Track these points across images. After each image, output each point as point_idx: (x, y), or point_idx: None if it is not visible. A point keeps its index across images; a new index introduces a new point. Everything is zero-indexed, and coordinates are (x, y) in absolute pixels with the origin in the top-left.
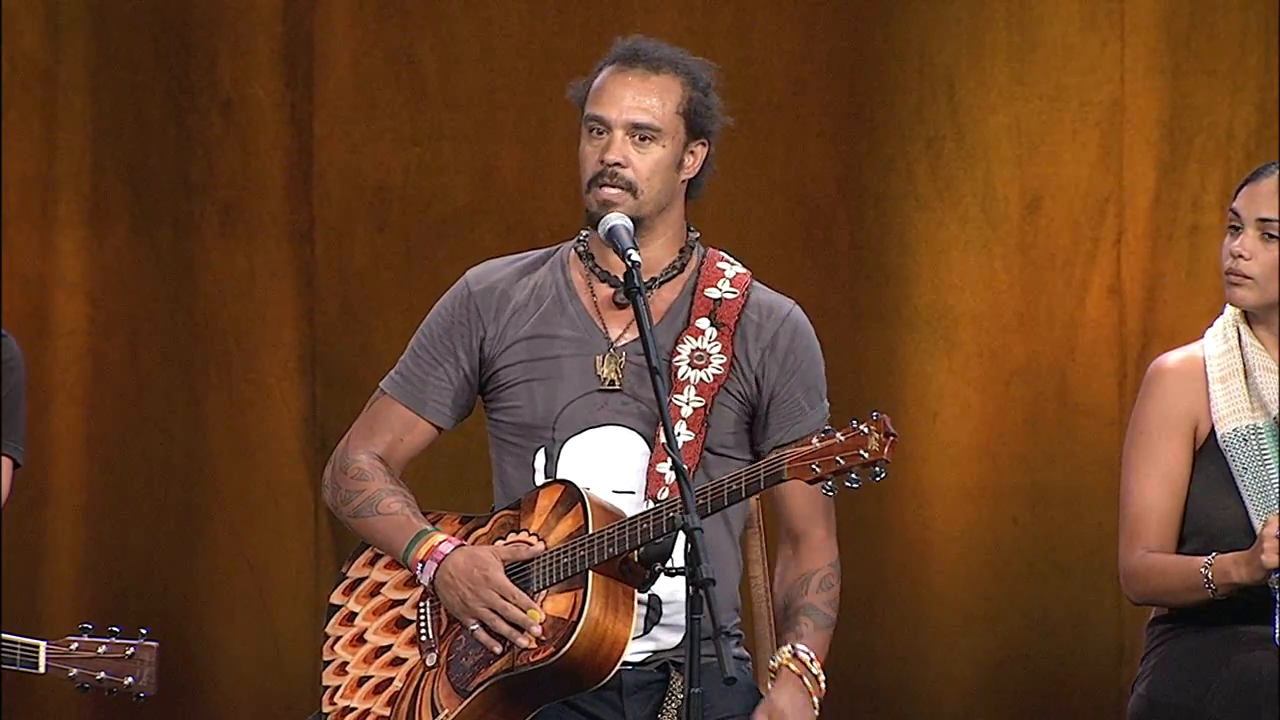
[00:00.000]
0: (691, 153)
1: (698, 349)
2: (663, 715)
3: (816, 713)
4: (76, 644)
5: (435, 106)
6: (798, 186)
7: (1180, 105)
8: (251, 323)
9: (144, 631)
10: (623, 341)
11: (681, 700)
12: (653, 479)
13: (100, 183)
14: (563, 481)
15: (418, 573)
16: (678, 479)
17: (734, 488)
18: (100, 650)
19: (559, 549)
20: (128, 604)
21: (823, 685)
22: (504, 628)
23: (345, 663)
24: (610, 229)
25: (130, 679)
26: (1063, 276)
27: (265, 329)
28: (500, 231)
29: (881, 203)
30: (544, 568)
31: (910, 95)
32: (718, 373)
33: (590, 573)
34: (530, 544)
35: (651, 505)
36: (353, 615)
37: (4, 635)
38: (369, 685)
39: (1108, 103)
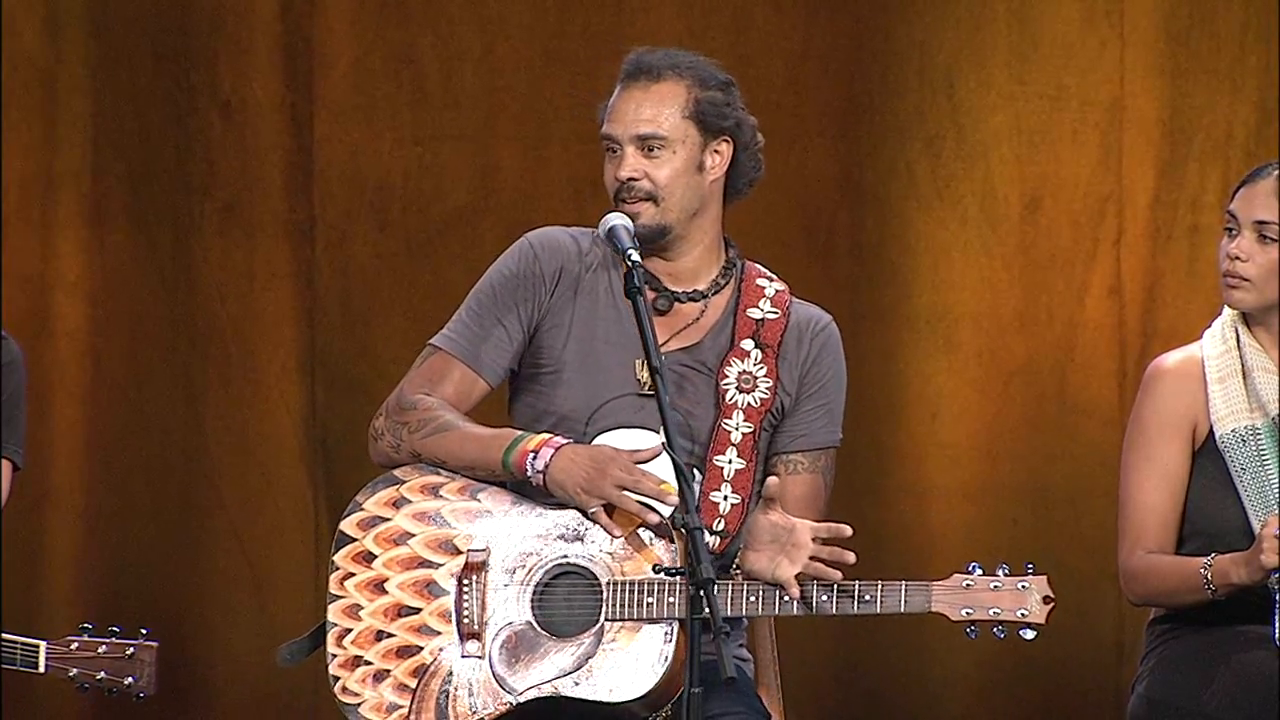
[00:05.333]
0: (716, 152)
1: (745, 372)
2: (656, 715)
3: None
4: (76, 644)
5: (435, 106)
6: (798, 186)
7: (1180, 105)
8: (251, 322)
9: (144, 631)
10: (665, 349)
11: (675, 699)
12: (706, 508)
13: (100, 183)
14: None
15: (527, 464)
16: (678, 479)
17: (866, 598)
18: (100, 650)
19: (640, 582)
20: (128, 604)
21: None
22: (633, 505)
23: (359, 606)
24: (610, 229)
25: (130, 679)
26: (1063, 276)
27: (265, 329)
28: (500, 231)
29: (882, 203)
30: (621, 597)
31: (910, 95)
32: (765, 396)
33: (676, 621)
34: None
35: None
36: (371, 555)
37: (4, 635)
38: (390, 644)
39: (1108, 103)
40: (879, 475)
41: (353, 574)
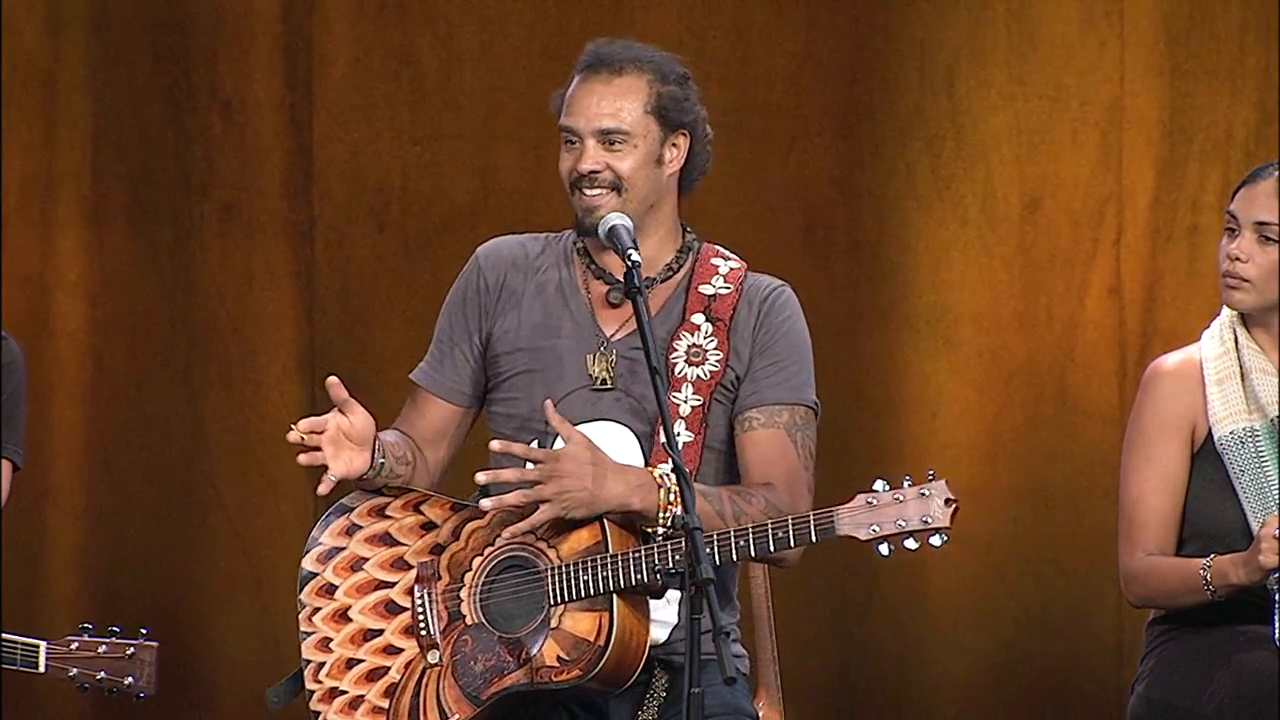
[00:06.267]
0: (674, 145)
1: (694, 345)
2: (643, 712)
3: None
4: (76, 644)
5: (435, 106)
6: (798, 186)
7: (1180, 105)
8: (251, 323)
9: (144, 631)
10: (616, 338)
11: (664, 698)
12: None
13: (100, 183)
14: None
15: None
16: (678, 479)
17: (779, 535)
18: (100, 650)
19: (575, 563)
20: (128, 604)
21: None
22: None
23: (328, 638)
24: (611, 229)
25: (130, 679)
26: (1063, 276)
27: (265, 329)
28: (500, 231)
29: (881, 203)
30: (560, 581)
31: (910, 95)
32: (715, 369)
33: (614, 594)
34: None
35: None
36: (332, 587)
37: (4, 635)
38: (360, 670)
39: (1107, 103)
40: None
41: (319, 608)
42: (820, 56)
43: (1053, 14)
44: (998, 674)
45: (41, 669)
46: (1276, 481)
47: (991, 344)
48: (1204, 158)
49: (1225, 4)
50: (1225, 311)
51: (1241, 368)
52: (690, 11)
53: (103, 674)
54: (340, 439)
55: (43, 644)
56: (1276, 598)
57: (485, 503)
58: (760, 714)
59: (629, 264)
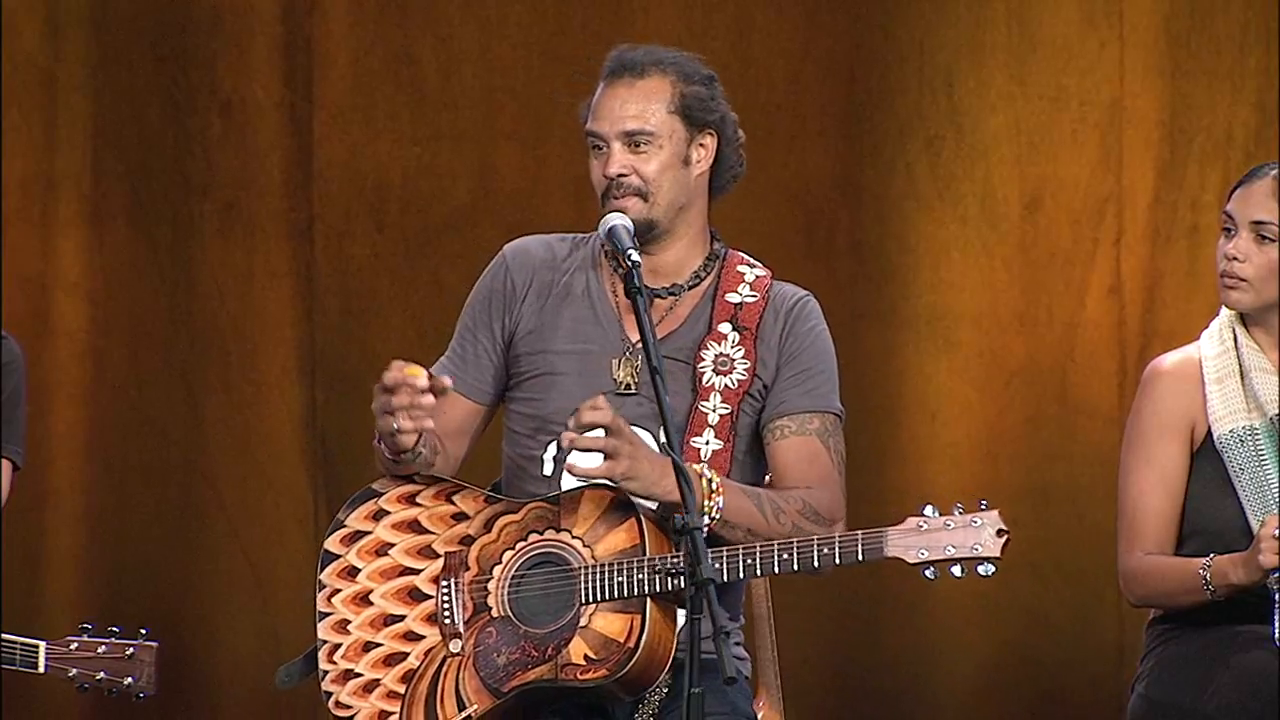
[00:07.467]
0: (701, 145)
1: (721, 354)
2: (643, 709)
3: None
4: (76, 644)
5: (435, 106)
6: (797, 186)
7: (1180, 106)
8: (251, 323)
9: (143, 631)
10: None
11: (664, 695)
12: None
13: (100, 183)
14: (610, 487)
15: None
16: (677, 478)
17: (824, 551)
18: (100, 650)
19: (610, 563)
20: (127, 604)
21: (713, 494)
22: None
23: (346, 620)
24: (610, 229)
25: (130, 679)
26: (1063, 276)
27: (265, 329)
28: (500, 231)
29: (881, 203)
30: (593, 580)
31: (910, 95)
32: (742, 378)
33: (648, 599)
34: None
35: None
36: (354, 570)
37: (4, 635)
38: (378, 654)
39: (1107, 103)
40: (879, 476)
41: (339, 590)
42: (820, 56)
43: (1053, 14)
44: (998, 673)
45: (41, 669)
46: (1276, 480)
47: (991, 344)
48: (1204, 158)
49: (1225, 4)
50: (1224, 311)
51: (1241, 366)
52: (690, 11)
53: (102, 674)
54: (416, 405)
55: (42, 644)
56: (1276, 598)
57: (566, 437)
58: (760, 715)
59: (629, 264)
